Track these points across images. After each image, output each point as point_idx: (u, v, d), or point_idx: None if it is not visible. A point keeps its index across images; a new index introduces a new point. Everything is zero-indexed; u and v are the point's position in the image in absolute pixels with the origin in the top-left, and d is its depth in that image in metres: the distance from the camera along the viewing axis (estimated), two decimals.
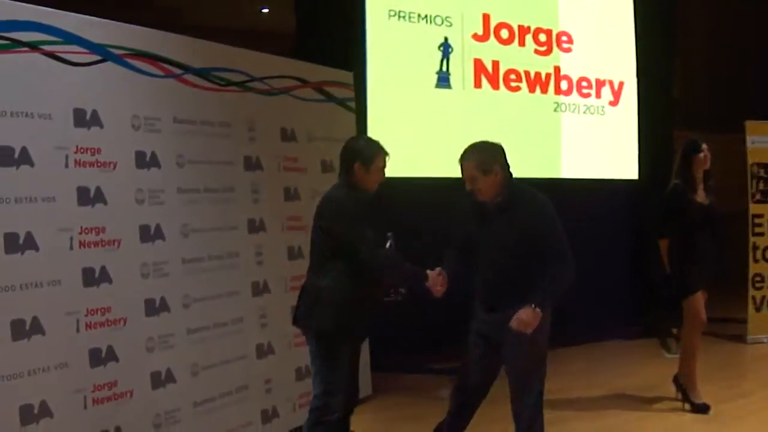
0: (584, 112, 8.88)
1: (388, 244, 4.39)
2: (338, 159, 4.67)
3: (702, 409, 6.16)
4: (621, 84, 9.18)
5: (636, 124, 9.30)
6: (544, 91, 8.57)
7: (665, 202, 6.28)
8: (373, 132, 7.27)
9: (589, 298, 8.90)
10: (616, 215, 9.39)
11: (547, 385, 6.97)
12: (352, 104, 6.70)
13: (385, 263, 4.47)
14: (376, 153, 4.51)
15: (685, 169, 6.17)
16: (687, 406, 6.25)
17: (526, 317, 4.26)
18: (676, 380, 6.38)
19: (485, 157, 4.48)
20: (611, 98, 9.12)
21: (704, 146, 6.17)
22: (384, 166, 4.52)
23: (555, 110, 8.65)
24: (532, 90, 8.47)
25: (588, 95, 8.93)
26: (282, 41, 9.41)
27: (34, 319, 4.08)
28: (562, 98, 8.68)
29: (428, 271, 4.49)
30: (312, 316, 4.45)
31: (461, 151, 4.54)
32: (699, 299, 6.13)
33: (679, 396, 6.33)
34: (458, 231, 4.68)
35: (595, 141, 8.97)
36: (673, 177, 6.28)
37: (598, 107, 9.01)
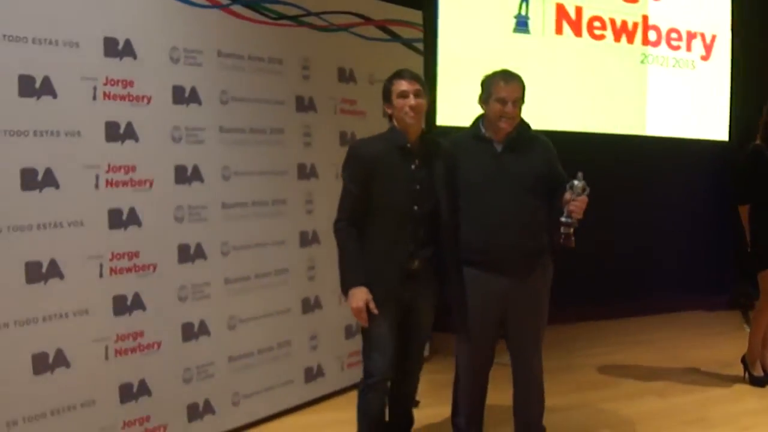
0: (673, 66, 8.27)
1: (570, 184, 3.90)
2: None
3: (758, 382, 5.87)
4: (714, 37, 8.52)
5: (729, 82, 8.66)
6: (631, 41, 7.96)
7: (744, 164, 5.81)
8: (442, 77, 6.87)
9: (672, 266, 8.60)
10: (704, 178, 8.87)
11: (620, 356, 6.79)
12: (420, 45, 6.26)
13: (338, 240, 4.04)
14: (391, 80, 4.00)
15: (766, 129, 5.72)
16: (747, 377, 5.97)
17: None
18: (743, 360, 6.01)
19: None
20: (703, 52, 8.47)
21: None
22: (407, 91, 3.94)
23: (642, 62, 8.05)
24: (617, 39, 7.88)
25: (678, 48, 8.29)
26: None
27: (52, 261, 3.83)
28: (649, 49, 8.07)
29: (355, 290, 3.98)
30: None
31: (508, 73, 4.16)
32: None
33: (746, 377, 5.97)
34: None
35: (684, 97, 8.36)
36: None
37: (688, 61, 8.38)
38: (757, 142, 5.76)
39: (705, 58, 8.51)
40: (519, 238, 4.06)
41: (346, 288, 3.99)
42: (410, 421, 4.43)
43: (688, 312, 8.54)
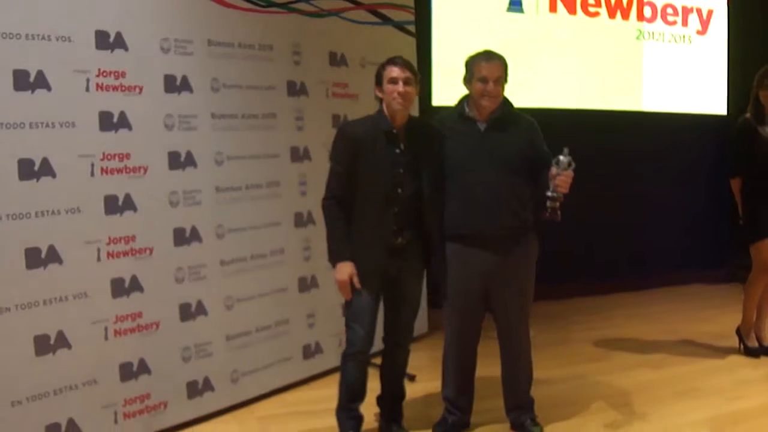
0: (669, 41, 8.33)
1: (555, 159, 4.02)
2: None
3: (753, 352, 5.95)
4: (710, 12, 8.57)
5: (726, 56, 8.70)
6: (626, 17, 8.03)
7: (733, 138, 5.86)
8: (436, 58, 6.97)
9: (671, 241, 8.65)
10: (702, 152, 8.85)
11: (616, 330, 6.92)
12: (412, 28, 6.33)
13: (325, 217, 4.24)
14: (384, 65, 4.15)
15: (756, 102, 5.71)
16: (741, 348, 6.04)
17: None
18: (738, 332, 6.08)
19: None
20: (699, 27, 8.52)
21: None
22: (397, 78, 4.08)
23: (637, 38, 8.12)
24: (612, 16, 7.95)
25: (674, 23, 8.35)
26: None
27: (50, 247, 3.97)
28: (645, 25, 8.13)
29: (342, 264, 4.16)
30: None
31: (491, 54, 4.27)
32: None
33: (741, 348, 6.04)
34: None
35: (681, 72, 8.42)
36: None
37: (684, 36, 8.44)
38: (747, 115, 5.77)
39: (701, 32, 8.54)
40: (501, 216, 4.18)
41: (333, 262, 4.18)
42: (402, 393, 4.57)
43: (687, 286, 8.61)
